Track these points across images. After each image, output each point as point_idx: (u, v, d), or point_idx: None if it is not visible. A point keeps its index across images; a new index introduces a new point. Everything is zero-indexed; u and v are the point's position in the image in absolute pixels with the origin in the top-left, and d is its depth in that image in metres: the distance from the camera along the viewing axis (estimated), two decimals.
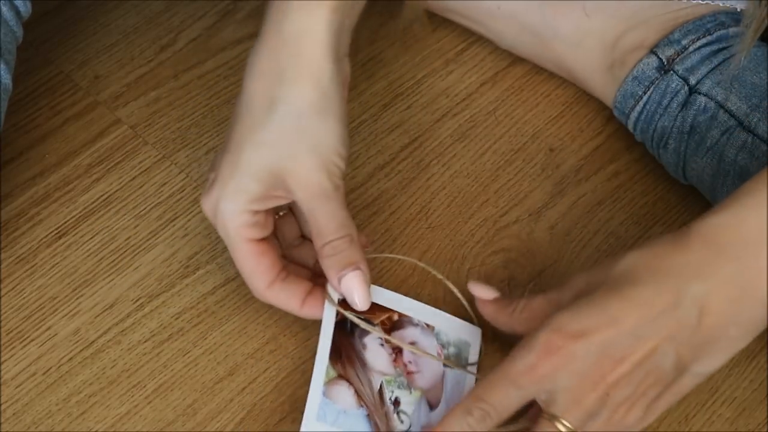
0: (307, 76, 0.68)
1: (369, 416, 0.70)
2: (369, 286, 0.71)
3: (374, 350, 0.73)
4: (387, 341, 0.73)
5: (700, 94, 0.81)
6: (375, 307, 0.73)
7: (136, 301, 0.77)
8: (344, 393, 0.70)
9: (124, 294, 0.77)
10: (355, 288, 0.70)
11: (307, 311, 0.72)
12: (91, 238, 0.80)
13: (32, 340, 0.75)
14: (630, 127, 0.85)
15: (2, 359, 0.74)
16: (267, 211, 0.71)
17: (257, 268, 0.71)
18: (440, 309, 0.75)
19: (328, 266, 0.70)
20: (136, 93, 0.88)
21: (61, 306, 0.77)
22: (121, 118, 0.86)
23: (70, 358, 0.74)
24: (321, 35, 0.67)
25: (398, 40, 0.92)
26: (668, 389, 0.65)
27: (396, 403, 0.71)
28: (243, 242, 0.70)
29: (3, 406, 0.72)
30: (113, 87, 0.88)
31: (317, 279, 0.73)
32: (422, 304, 0.75)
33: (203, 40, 0.91)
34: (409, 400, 0.72)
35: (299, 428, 0.71)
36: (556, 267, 0.80)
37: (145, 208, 0.82)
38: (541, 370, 0.63)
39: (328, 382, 0.70)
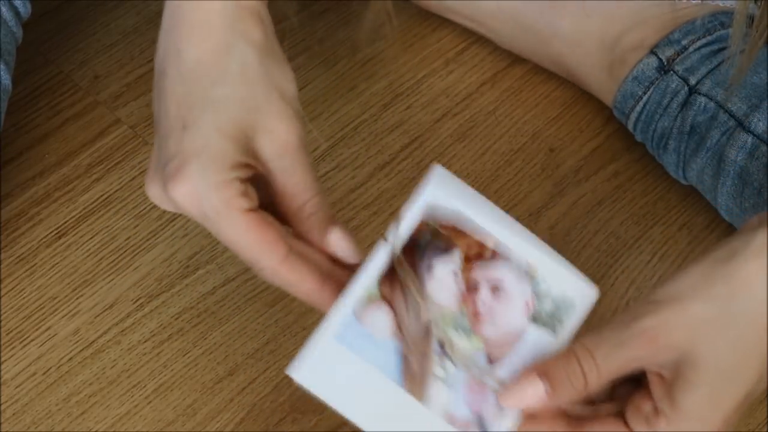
0: (250, 17, 0.60)
1: (402, 352, 0.57)
2: (351, 238, 0.61)
3: (441, 279, 0.59)
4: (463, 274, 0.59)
5: (700, 94, 0.81)
6: (460, 228, 0.59)
7: (136, 301, 0.77)
8: (381, 318, 0.58)
9: (124, 294, 0.77)
10: (347, 242, 0.60)
11: (329, 286, 0.60)
12: (91, 238, 0.80)
13: (32, 340, 0.75)
14: (630, 127, 0.85)
15: (2, 359, 0.74)
16: (248, 182, 0.60)
17: (266, 240, 0.59)
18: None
19: (313, 225, 0.60)
20: (136, 93, 0.88)
21: (61, 306, 0.77)
22: (121, 118, 0.86)
23: (70, 358, 0.74)
24: None
25: (398, 40, 0.92)
26: None
27: (444, 345, 0.58)
28: (242, 214, 0.58)
29: (3, 406, 0.72)
30: (113, 87, 0.88)
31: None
32: (535, 238, 0.60)
33: None
34: (464, 346, 0.58)
35: (299, 428, 0.71)
36: None
37: (145, 208, 0.82)
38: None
39: (365, 301, 0.57)
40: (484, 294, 0.59)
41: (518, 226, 0.60)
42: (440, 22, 0.92)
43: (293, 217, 0.61)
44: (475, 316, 0.59)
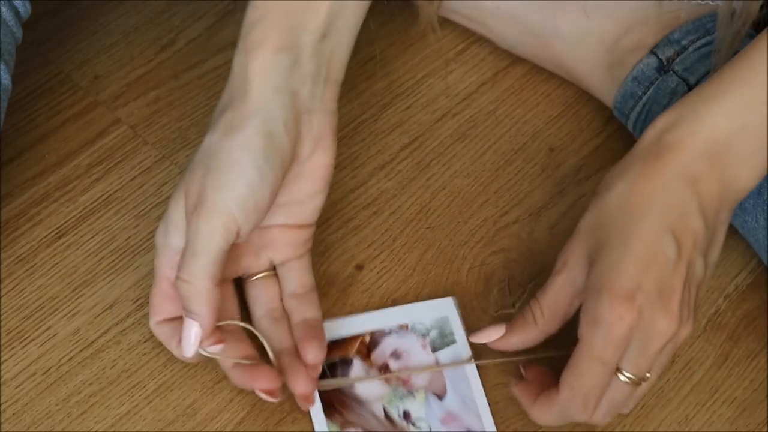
0: (251, 120, 0.67)
1: None
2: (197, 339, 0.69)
3: (362, 383, 0.73)
4: (370, 365, 0.74)
5: None
6: (345, 341, 0.74)
7: (136, 301, 0.77)
8: None
9: (124, 294, 0.77)
10: (184, 338, 0.69)
11: (179, 352, 0.70)
12: (91, 238, 0.80)
13: (32, 340, 0.75)
14: (630, 127, 0.85)
15: (2, 359, 0.74)
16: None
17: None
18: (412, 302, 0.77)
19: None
20: (136, 93, 0.88)
21: (61, 306, 0.77)
22: (121, 118, 0.86)
23: (70, 358, 0.74)
24: (261, 73, 0.68)
25: (398, 40, 0.92)
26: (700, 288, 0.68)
27: (406, 415, 0.72)
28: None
29: (3, 406, 0.72)
30: (113, 87, 0.88)
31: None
32: (384, 310, 0.76)
33: (203, 40, 0.91)
34: (416, 406, 0.72)
35: (299, 428, 0.71)
36: None
37: (145, 208, 0.82)
38: (618, 338, 0.64)
39: None
40: (393, 364, 0.74)
41: (367, 316, 0.76)
42: (440, 22, 0.92)
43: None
44: (402, 382, 0.74)
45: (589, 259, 0.67)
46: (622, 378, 0.66)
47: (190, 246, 0.66)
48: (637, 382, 0.66)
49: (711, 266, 0.68)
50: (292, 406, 0.73)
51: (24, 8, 0.75)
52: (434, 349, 0.75)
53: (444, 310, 0.76)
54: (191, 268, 0.66)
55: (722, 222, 0.68)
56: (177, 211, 0.69)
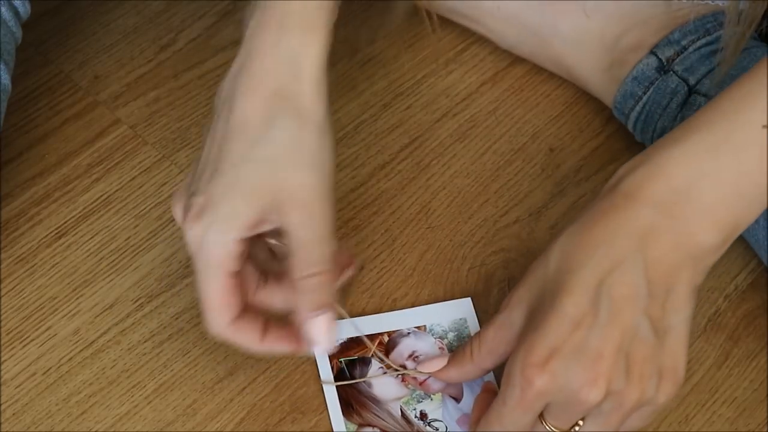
0: (308, 94, 0.66)
1: None
2: (335, 329, 0.67)
3: (379, 382, 0.73)
4: (388, 367, 0.73)
5: (699, 94, 0.81)
6: (363, 340, 0.74)
7: (136, 301, 0.77)
8: None
9: (124, 294, 0.77)
10: (321, 332, 0.66)
11: (267, 346, 0.68)
12: (91, 238, 0.80)
13: (32, 340, 0.75)
14: (630, 127, 0.85)
15: (2, 359, 0.74)
16: (248, 240, 0.66)
17: (225, 303, 0.66)
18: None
19: (301, 303, 0.66)
20: (136, 93, 0.88)
21: (61, 306, 0.77)
22: (121, 118, 0.86)
23: (70, 358, 0.74)
24: (319, 58, 0.66)
25: (398, 40, 0.92)
26: (664, 352, 0.63)
27: (423, 416, 0.72)
28: (222, 275, 0.65)
29: (3, 406, 0.72)
30: (113, 87, 0.88)
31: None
32: (403, 311, 0.76)
33: (203, 40, 0.91)
34: (433, 407, 0.72)
35: (299, 428, 0.71)
36: None
37: (145, 208, 0.82)
38: (528, 400, 0.63)
39: None
40: (410, 365, 0.74)
41: (387, 316, 0.76)
42: (440, 22, 0.92)
43: (294, 284, 0.66)
44: (421, 384, 0.73)
45: (529, 308, 0.65)
46: (547, 427, 0.64)
47: (318, 232, 0.65)
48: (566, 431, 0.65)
49: (678, 325, 0.63)
50: (292, 406, 0.73)
51: (24, 8, 0.75)
52: (450, 351, 0.74)
53: (462, 311, 0.76)
54: (325, 257, 0.65)
55: (683, 282, 0.62)
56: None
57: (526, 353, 0.62)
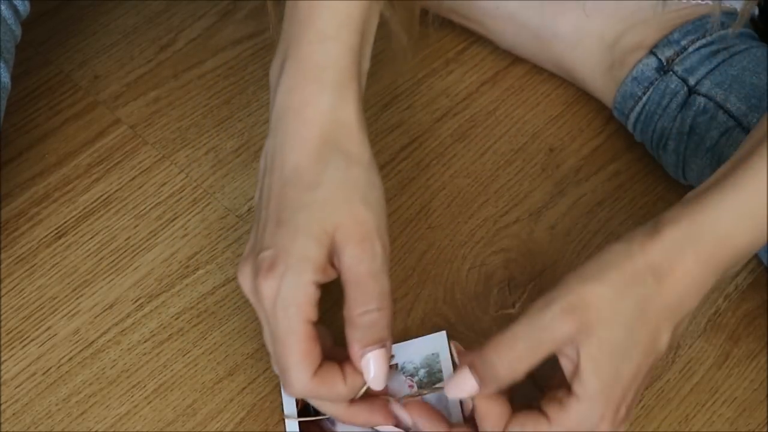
0: (353, 139, 0.67)
1: None
2: (389, 366, 0.66)
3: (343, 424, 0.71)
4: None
5: (699, 94, 0.81)
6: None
7: (136, 301, 0.77)
8: None
9: (124, 294, 0.77)
10: (377, 368, 0.65)
11: (352, 414, 0.68)
12: (91, 238, 0.80)
13: (32, 340, 0.75)
14: (630, 127, 0.85)
15: (2, 359, 0.74)
16: (321, 289, 0.65)
17: (308, 355, 0.64)
18: (417, 337, 0.75)
19: (355, 338, 0.65)
20: (136, 93, 0.88)
21: (61, 306, 0.77)
22: (121, 118, 0.86)
23: (70, 358, 0.74)
24: (356, 104, 0.68)
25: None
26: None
27: None
28: (303, 323, 0.64)
29: (3, 406, 0.72)
30: (113, 87, 0.88)
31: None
32: None
33: (203, 40, 0.91)
34: None
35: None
36: (556, 267, 0.80)
37: (145, 208, 0.82)
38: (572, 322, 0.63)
39: None
40: None
41: None
42: (440, 22, 0.92)
43: (348, 317, 0.65)
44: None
45: (581, 337, 0.64)
46: None
47: (373, 267, 0.65)
48: None
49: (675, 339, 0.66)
50: None
51: (23, 7, 0.75)
52: (420, 387, 0.72)
53: (435, 345, 0.74)
54: (381, 293, 0.65)
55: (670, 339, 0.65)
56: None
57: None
